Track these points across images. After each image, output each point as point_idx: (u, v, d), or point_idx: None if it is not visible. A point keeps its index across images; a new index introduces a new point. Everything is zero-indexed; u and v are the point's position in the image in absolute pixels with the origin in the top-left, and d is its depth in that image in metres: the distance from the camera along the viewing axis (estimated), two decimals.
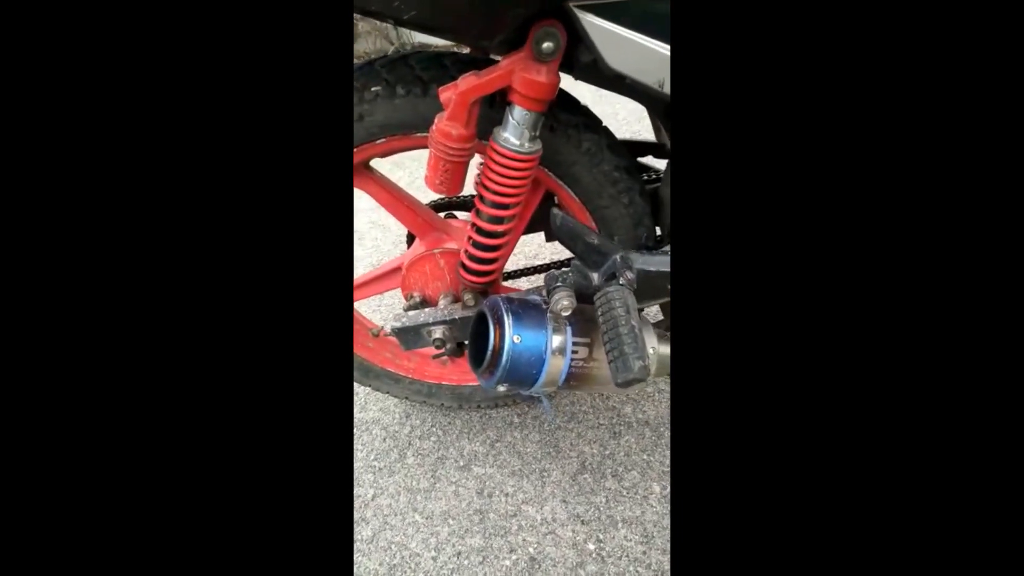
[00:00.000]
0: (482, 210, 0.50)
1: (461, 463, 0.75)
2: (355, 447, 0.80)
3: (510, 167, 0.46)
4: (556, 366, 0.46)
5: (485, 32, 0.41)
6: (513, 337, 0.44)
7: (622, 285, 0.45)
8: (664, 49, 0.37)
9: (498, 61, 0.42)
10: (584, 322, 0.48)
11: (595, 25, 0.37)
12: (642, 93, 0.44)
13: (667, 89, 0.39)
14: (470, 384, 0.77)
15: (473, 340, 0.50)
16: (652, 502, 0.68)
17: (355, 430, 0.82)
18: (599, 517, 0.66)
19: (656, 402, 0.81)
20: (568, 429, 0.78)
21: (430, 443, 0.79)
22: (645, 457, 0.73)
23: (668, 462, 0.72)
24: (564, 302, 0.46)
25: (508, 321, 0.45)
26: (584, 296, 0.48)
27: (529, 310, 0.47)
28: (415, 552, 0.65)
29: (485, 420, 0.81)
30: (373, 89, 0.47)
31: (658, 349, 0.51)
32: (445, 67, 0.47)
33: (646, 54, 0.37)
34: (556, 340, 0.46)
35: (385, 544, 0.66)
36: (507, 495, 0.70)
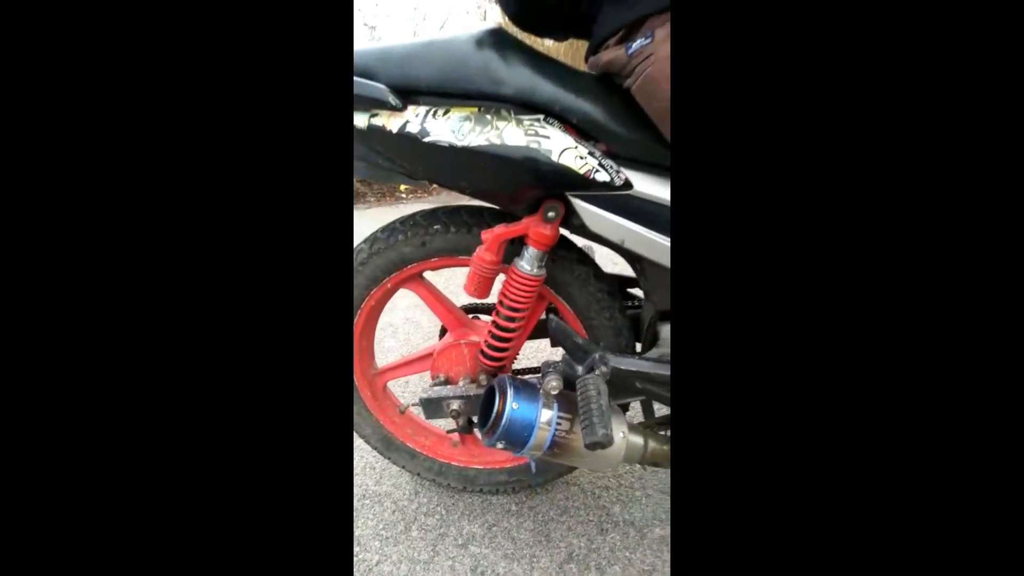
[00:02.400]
0: (501, 311, 0.69)
1: (460, 541, 0.82)
2: (366, 516, 0.88)
3: (523, 285, 0.66)
4: (543, 433, 0.59)
5: (514, 202, 0.64)
6: (512, 404, 0.59)
7: (598, 375, 0.61)
8: (621, 220, 0.58)
9: (520, 218, 0.65)
10: (568, 403, 0.62)
11: (581, 205, 0.59)
12: (611, 244, 0.64)
13: (627, 245, 0.59)
14: (475, 467, 0.88)
15: (483, 409, 0.64)
16: None
17: (368, 500, 0.91)
18: None
19: (643, 505, 0.88)
20: (560, 521, 0.85)
21: (434, 520, 0.86)
22: (628, 555, 0.78)
23: (648, 561, 0.77)
24: (553, 383, 0.61)
25: (509, 392, 0.60)
26: (570, 383, 0.63)
27: (527, 387, 0.62)
28: None
29: (485, 505, 0.89)
30: (435, 227, 0.70)
31: (628, 435, 0.64)
32: (484, 217, 0.70)
33: (611, 223, 0.58)
34: (545, 413, 0.60)
35: None
36: (498, 575, 0.76)
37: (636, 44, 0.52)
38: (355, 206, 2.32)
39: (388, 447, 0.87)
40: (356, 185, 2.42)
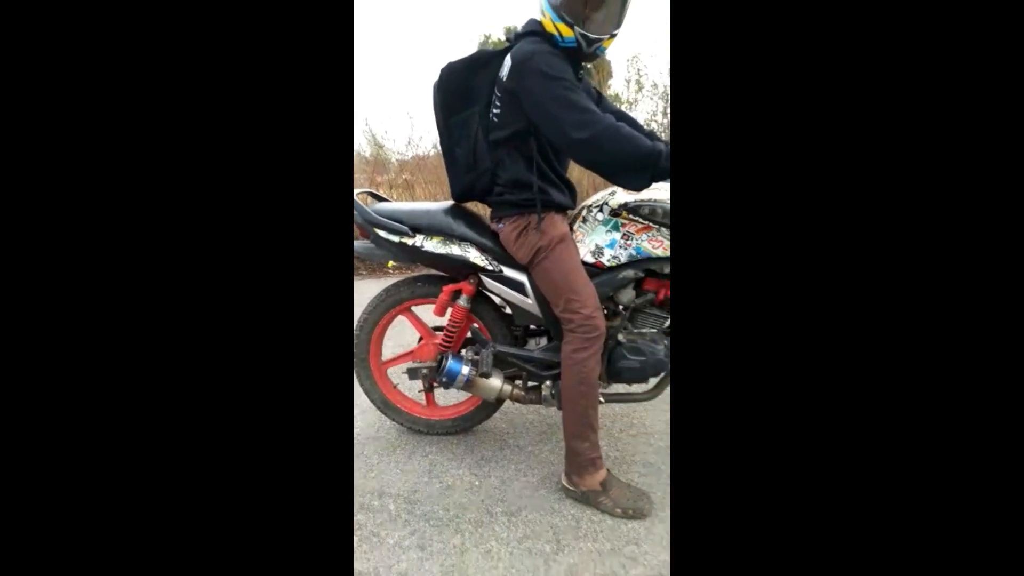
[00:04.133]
0: (449, 324, 1.45)
1: (424, 454, 1.50)
2: (372, 448, 1.55)
3: (460, 312, 1.43)
4: (462, 375, 1.33)
5: (456, 274, 1.43)
6: (450, 360, 1.34)
7: (490, 351, 1.36)
8: (497, 285, 1.37)
9: (459, 280, 1.43)
10: (475, 363, 1.37)
11: (483, 277, 1.38)
12: (495, 293, 1.43)
13: (500, 295, 1.38)
14: (433, 419, 1.58)
15: (437, 369, 1.38)
16: None
17: (371, 440, 1.58)
18: None
19: (529, 435, 1.58)
20: (479, 442, 1.54)
21: (409, 447, 1.54)
22: (516, 456, 1.47)
23: (525, 461, 1.47)
24: (470, 354, 1.36)
25: (449, 356, 1.35)
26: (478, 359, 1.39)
27: (457, 355, 1.37)
28: None
29: (440, 439, 1.57)
30: (418, 283, 1.48)
31: (499, 379, 1.38)
32: (442, 279, 1.48)
33: (494, 286, 1.37)
34: (465, 368, 1.35)
35: None
36: (443, 467, 1.44)
37: (497, 226, 1.34)
38: (355, 277, 3.11)
39: (386, 407, 1.57)
40: (357, 264, 3.28)
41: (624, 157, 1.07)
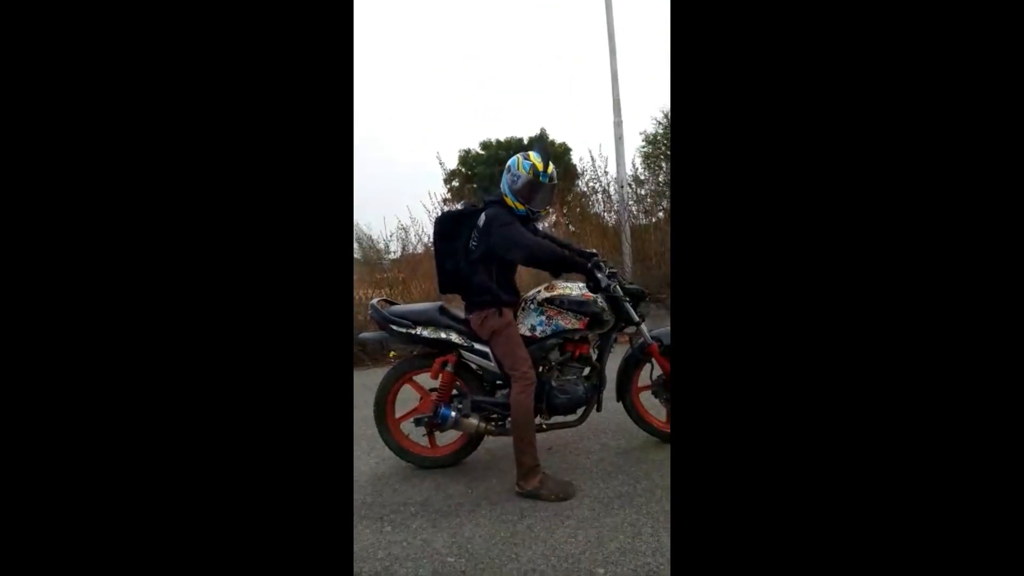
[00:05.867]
0: (438, 387, 2.17)
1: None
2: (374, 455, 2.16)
3: (448, 377, 2.16)
4: (452, 419, 2.03)
5: (443, 351, 2.19)
6: (441, 409, 2.04)
7: (468, 401, 2.07)
8: (473, 356, 2.12)
9: (446, 355, 2.18)
10: (461, 409, 2.07)
11: (462, 351, 2.13)
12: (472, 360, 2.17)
13: (473, 361, 2.12)
14: (432, 456, 2.21)
15: (433, 415, 2.08)
16: None
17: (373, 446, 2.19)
18: None
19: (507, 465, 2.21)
20: (476, 466, 2.16)
21: (411, 479, 2.16)
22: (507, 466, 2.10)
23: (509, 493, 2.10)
24: (455, 403, 2.07)
25: (442, 407, 2.05)
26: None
27: (447, 405, 2.07)
28: None
29: (442, 471, 2.20)
30: (416, 361, 2.21)
31: (475, 420, 2.08)
32: (433, 354, 2.22)
33: (470, 357, 2.13)
34: (452, 412, 2.04)
35: None
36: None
37: (469, 315, 2.13)
38: (359, 369, 3.81)
39: (401, 452, 2.21)
40: (359, 355, 4.00)
41: (545, 260, 2.00)
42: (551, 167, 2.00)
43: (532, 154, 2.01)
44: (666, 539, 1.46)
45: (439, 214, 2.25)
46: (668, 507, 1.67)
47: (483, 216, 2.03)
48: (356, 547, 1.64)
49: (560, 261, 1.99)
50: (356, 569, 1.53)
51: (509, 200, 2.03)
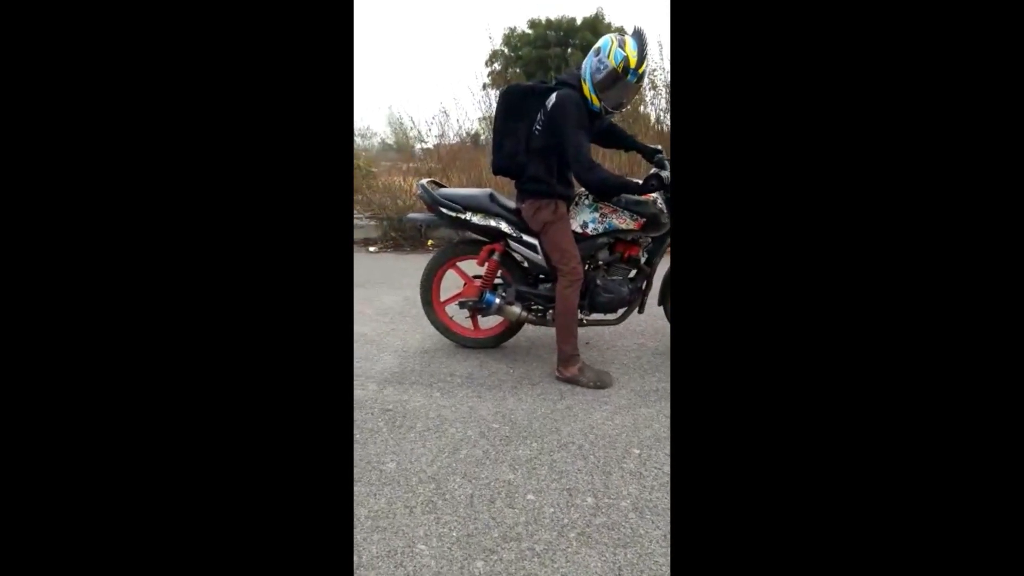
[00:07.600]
0: (485, 273, 2.19)
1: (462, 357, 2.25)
2: (388, 358, 2.30)
3: (493, 264, 2.17)
4: (494, 305, 2.08)
5: (491, 239, 2.17)
6: (486, 294, 2.09)
7: (512, 290, 2.11)
8: (519, 246, 2.10)
9: (493, 243, 2.17)
10: (503, 295, 2.12)
11: (508, 241, 2.11)
12: (518, 252, 2.16)
13: (520, 252, 2.12)
14: (475, 337, 2.33)
15: (478, 299, 2.13)
16: None
17: (409, 352, 2.34)
18: None
19: (542, 363, 2.33)
20: (504, 354, 2.29)
21: (446, 355, 2.30)
22: (527, 370, 2.23)
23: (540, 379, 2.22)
24: (500, 291, 2.11)
25: (486, 292, 2.10)
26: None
27: (492, 291, 2.12)
28: None
29: (477, 352, 2.33)
30: (461, 246, 2.22)
31: (518, 308, 2.13)
32: (480, 242, 2.22)
33: (516, 247, 2.11)
34: (496, 299, 2.09)
35: None
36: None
37: (520, 204, 2.06)
38: (401, 253, 3.88)
39: (447, 333, 2.31)
40: (398, 239, 4.05)
41: (603, 190, 1.91)
42: (645, 64, 1.72)
43: (629, 42, 1.71)
44: None
45: (503, 88, 2.03)
46: None
47: (553, 97, 1.84)
48: (409, 404, 1.81)
49: (614, 192, 1.92)
50: (409, 423, 1.69)
51: (586, 89, 1.78)
